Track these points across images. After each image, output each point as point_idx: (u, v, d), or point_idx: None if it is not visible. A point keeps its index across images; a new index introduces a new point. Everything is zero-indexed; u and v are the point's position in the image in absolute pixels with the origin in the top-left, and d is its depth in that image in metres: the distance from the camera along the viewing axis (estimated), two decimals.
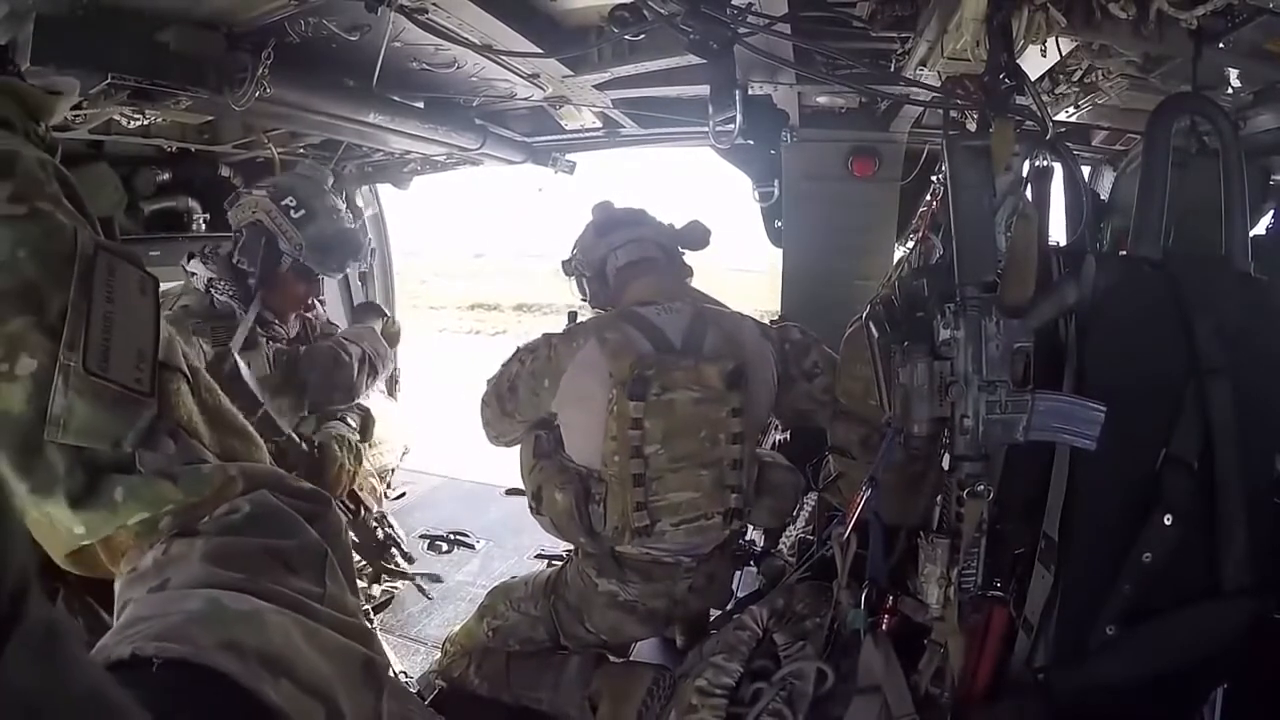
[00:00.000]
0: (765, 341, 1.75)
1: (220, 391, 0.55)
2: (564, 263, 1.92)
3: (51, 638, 0.21)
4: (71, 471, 0.44)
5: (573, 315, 1.79)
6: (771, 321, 2.10)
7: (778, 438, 2.28)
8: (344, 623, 0.45)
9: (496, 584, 1.99)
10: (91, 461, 0.45)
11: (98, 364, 0.45)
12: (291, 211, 1.95)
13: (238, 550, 0.45)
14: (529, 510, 1.77)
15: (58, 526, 0.45)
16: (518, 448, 1.81)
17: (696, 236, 1.88)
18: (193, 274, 1.99)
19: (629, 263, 1.79)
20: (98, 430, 0.45)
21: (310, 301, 2.12)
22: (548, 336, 1.71)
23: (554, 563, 2.45)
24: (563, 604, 1.79)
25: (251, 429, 0.57)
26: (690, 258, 1.90)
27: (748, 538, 2.07)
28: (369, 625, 0.49)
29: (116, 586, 0.46)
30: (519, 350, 1.75)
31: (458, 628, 1.99)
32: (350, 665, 0.43)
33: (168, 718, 0.27)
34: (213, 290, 1.95)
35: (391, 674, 1.90)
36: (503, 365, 1.77)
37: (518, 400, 1.72)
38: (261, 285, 1.97)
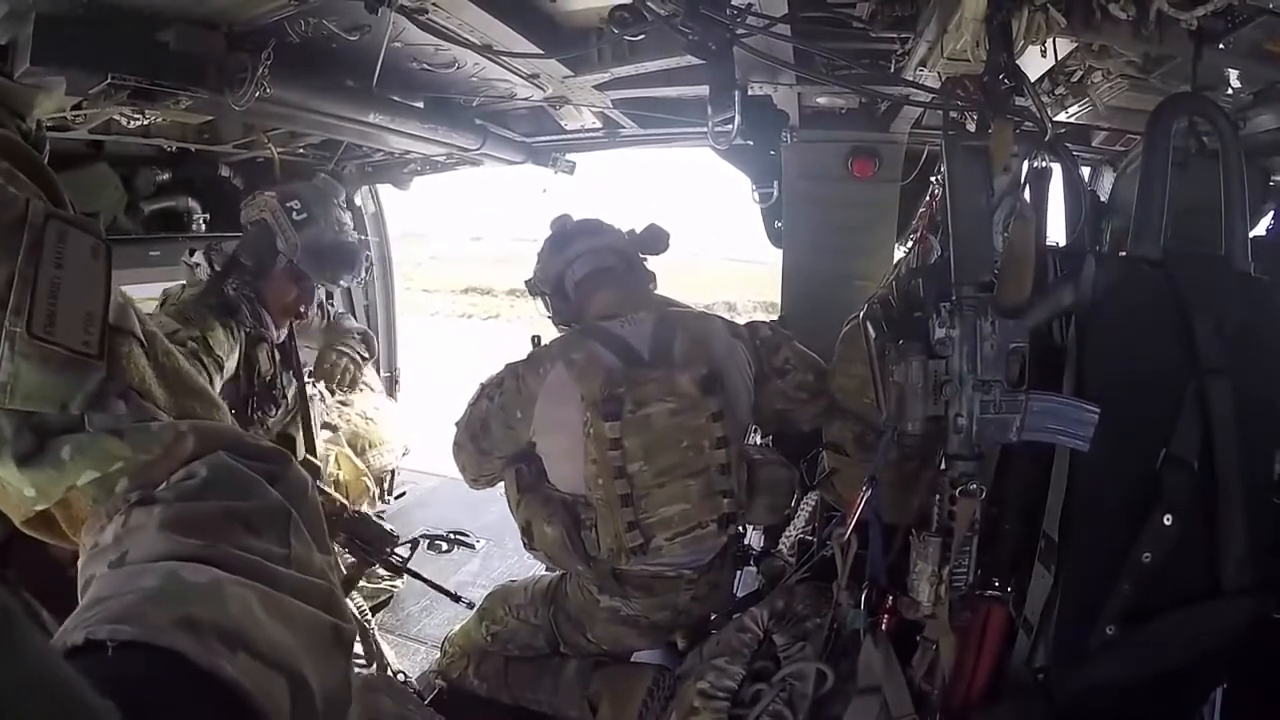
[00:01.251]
0: (736, 340, 1.72)
1: (179, 355, 0.55)
2: (526, 282, 1.88)
3: (5, 620, 0.21)
4: (19, 434, 0.44)
5: (535, 340, 1.75)
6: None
7: (757, 440, 2.26)
8: (308, 585, 0.45)
9: (495, 586, 1.99)
10: (40, 425, 0.45)
11: (43, 328, 0.44)
12: (294, 214, 1.96)
13: (196, 516, 0.44)
14: (523, 546, 1.74)
15: (9, 490, 0.45)
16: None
17: (655, 241, 1.84)
18: (196, 265, 1.99)
19: (586, 275, 1.75)
20: (45, 394, 0.45)
21: (302, 309, 2.10)
22: (512, 367, 1.68)
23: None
24: (563, 615, 1.78)
25: (212, 391, 0.56)
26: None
27: (747, 540, 2.06)
28: (335, 586, 0.48)
29: (80, 562, 0.46)
30: (484, 387, 1.72)
31: (457, 628, 1.99)
32: (316, 633, 0.42)
33: (123, 701, 0.27)
34: (226, 284, 1.96)
35: (390, 673, 1.90)
36: (469, 405, 1.73)
37: (492, 438, 1.69)
38: (256, 281, 1.99)
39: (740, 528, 1.76)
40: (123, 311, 0.51)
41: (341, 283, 2.08)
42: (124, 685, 0.32)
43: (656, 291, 1.86)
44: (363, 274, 2.15)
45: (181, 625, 0.36)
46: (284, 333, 2.14)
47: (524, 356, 1.69)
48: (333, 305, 2.63)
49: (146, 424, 0.48)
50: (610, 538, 1.59)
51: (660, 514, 1.58)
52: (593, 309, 1.73)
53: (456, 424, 1.75)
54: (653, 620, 1.71)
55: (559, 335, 1.77)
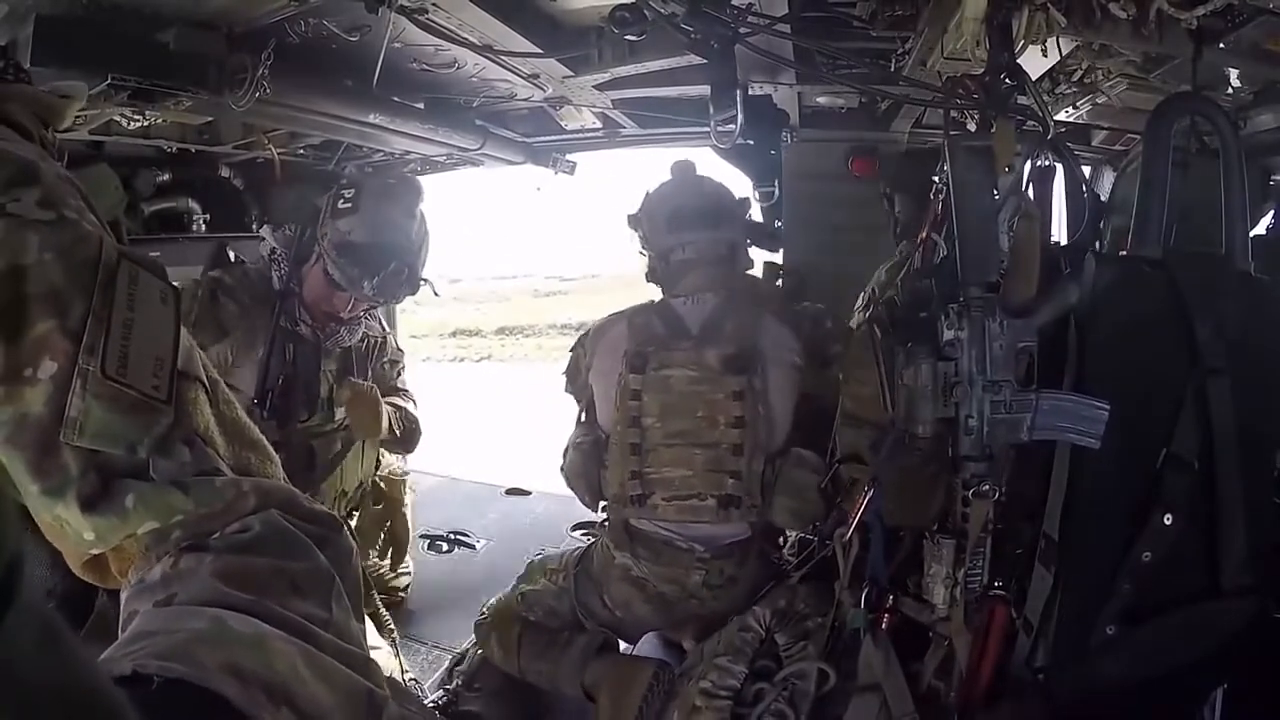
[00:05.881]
0: (784, 327, 1.75)
1: (237, 404, 0.55)
2: (629, 216, 1.90)
3: (50, 627, 0.21)
4: (85, 474, 0.44)
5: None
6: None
7: None
8: (346, 651, 0.45)
9: (498, 585, 2.03)
10: (106, 465, 0.45)
11: (116, 369, 0.45)
12: (340, 200, 1.78)
13: (247, 569, 0.45)
14: (559, 467, 1.89)
15: (69, 532, 0.45)
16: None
17: (770, 240, 1.95)
18: (263, 239, 1.93)
19: (691, 259, 1.79)
20: (113, 434, 0.45)
21: (343, 315, 1.92)
22: (596, 321, 1.90)
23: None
24: (585, 575, 1.84)
25: (266, 443, 0.56)
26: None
27: (784, 544, 1.94)
28: (369, 654, 0.49)
29: (122, 597, 0.46)
30: (579, 338, 1.93)
31: (495, 597, 2.01)
32: (352, 697, 0.43)
33: None
34: (274, 266, 1.88)
35: (400, 678, 1.90)
36: (571, 355, 1.94)
37: (580, 380, 1.89)
38: (298, 270, 1.87)
39: (745, 514, 1.72)
40: (189, 356, 0.51)
41: (365, 288, 1.78)
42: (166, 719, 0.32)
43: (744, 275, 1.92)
44: (395, 291, 1.85)
45: (229, 671, 0.36)
46: (344, 337, 1.98)
47: (606, 316, 1.89)
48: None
49: (210, 479, 0.48)
50: (616, 484, 1.73)
51: (663, 473, 1.69)
52: (676, 286, 1.82)
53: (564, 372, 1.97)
54: (660, 590, 1.73)
55: (637, 304, 1.89)
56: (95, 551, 0.46)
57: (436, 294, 2.01)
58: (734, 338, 1.70)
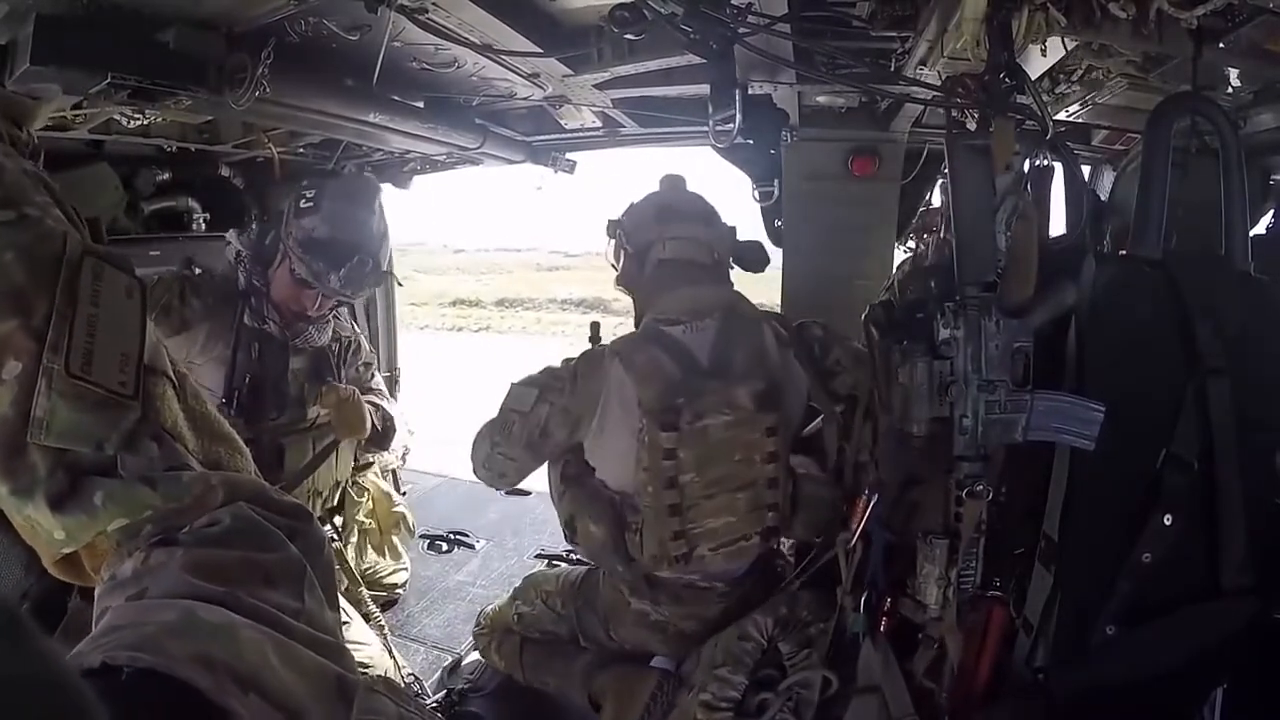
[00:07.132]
0: (786, 350, 1.69)
1: (206, 399, 0.55)
2: (610, 222, 1.80)
3: (14, 620, 0.21)
4: (53, 473, 0.44)
5: (595, 326, 1.73)
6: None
7: None
8: (319, 640, 0.45)
9: (530, 573, 2.03)
10: (74, 464, 0.45)
11: (80, 367, 0.45)
12: (302, 200, 1.85)
13: (217, 562, 0.45)
14: (564, 537, 1.74)
15: (40, 532, 0.45)
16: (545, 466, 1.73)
17: (754, 259, 1.81)
18: (228, 243, 1.96)
19: (673, 259, 1.68)
20: (80, 432, 0.45)
21: (310, 314, 1.97)
22: (569, 368, 1.62)
23: (556, 563, 2.47)
24: (589, 610, 1.79)
25: (236, 436, 0.56)
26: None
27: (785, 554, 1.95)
28: (343, 643, 0.49)
29: (96, 593, 0.46)
30: (540, 393, 1.62)
31: (493, 605, 2.02)
32: (323, 683, 0.43)
33: None
34: (240, 268, 1.92)
35: (398, 676, 1.90)
36: (521, 415, 1.61)
37: (552, 441, 1.63)
38: (265, 271, 1.91)
39: (779, 541, 1.73)
40: (156, 351, 0.51)
41: (331, 281, 1.84)
42: (135, 709, 0.32)
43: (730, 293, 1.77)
44: (360, 282, 1.90)
45: (198, 661, 0.36)
46: (315, 336, 2.03)
47: (580, 356, 1.64)
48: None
49: (178, 474, 0.48)
50: (655, 545, 1.57)
51: (706, 525, 1.57)
52: (662, 305, 1.66)
53: (500, 439, 1.65)
54: (680, 629, 1.69)
55: (621, 336, 1.70)
56: (67, 550, 0.46)
57: (400, 284, 2.16)
58: (756, 369, 1.61)
